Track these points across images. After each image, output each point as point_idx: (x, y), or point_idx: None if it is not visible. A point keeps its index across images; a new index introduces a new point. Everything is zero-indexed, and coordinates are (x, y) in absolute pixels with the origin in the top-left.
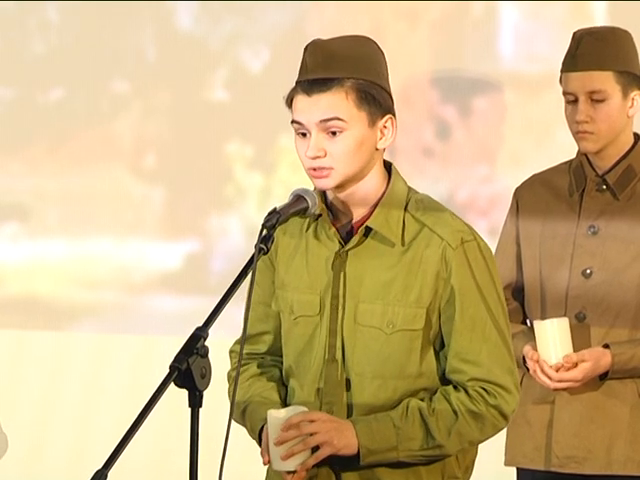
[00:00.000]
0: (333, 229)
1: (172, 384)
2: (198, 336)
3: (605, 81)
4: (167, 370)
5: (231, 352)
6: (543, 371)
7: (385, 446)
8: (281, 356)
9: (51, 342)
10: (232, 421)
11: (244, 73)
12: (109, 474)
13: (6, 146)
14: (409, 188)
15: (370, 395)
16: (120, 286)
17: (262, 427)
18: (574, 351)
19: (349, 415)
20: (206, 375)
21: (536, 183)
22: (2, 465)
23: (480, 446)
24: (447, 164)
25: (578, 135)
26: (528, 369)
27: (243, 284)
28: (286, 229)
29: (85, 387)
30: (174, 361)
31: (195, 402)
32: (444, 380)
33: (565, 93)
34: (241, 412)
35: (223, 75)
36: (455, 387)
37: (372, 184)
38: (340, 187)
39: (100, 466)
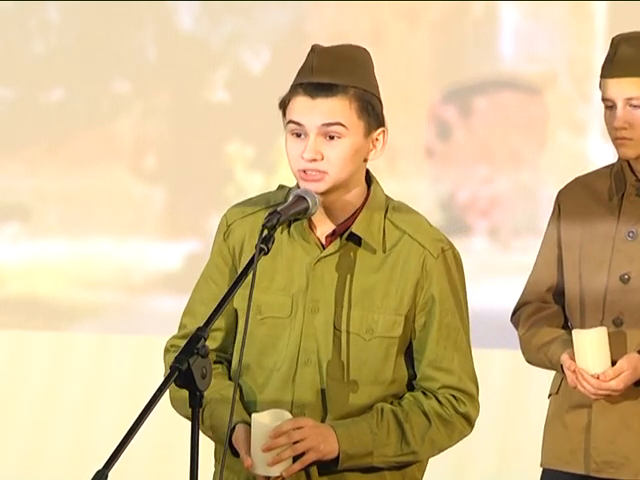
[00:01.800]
0: (312, 233)
1: (173, 384)
2: (198, 336)
3: None
4: (167, 370)
5: (171, 347)
6: (584, 379)
7: (362, 451)
8: (227, 353)
9: (51, 342)
10: (231, 421)
11: (244, 73)
12: (110, 474)
13: (6, 146)
14: (386, 195)
15: (344, 400)
16: (120, 286)
17: (232, 429)
18: (611, 358)
19: (322, 420)
20: (206, 375)
21: (577, 186)
22: (2, 465)
23: (479, 447)
24: (448, 164)
25: (617, 141)
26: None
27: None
28: (253, 229)
29: (85, 387)
30: (174, 361)
31: (196, 402)
32: (410, 386)
33: (604, 99)
34: (201, 410)
35: (224, 75)
36: (424, 393)
37: (355, 192)
38: (327, 194)
39: (101, 466)
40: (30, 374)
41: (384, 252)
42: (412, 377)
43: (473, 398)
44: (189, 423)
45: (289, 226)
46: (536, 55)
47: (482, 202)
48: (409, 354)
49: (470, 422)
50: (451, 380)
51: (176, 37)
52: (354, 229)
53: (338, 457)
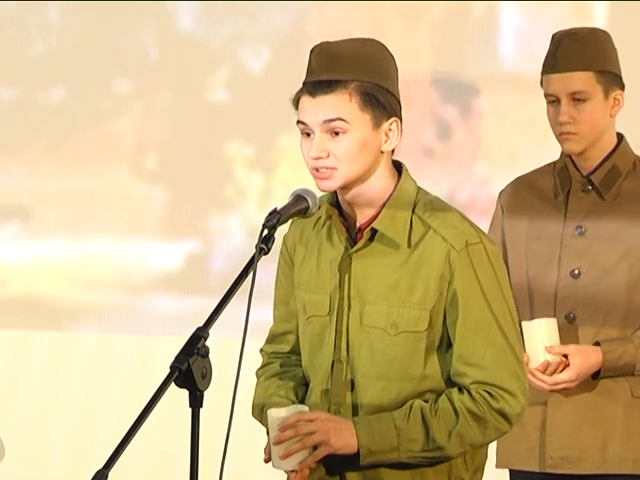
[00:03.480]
0: (343, 229)
1: (173, 384)
2: (199, 336)
3: (586, 81)
4: (168, 370)
5: (260, 351)
6: (535, 377)
7: (386, 447)
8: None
9: (52, 342)
10: (232, 421)
11: (245, 73)
12: (110, 474)
13: (7, 146)
14: (419, 189)
15: (375, 396)
16: (121, 286)
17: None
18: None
19: (355, 416)
20: (207, 375)
21: (520, 185)
22: (3, 465)
23: None
24: (448, 164)
25: (562, 137)
26: None
27: (244, 284)
28: (304, 229)
29: (86, 387)
30: (175, 361)
31: (196, 402)
32: (450, 382)
33: (547, 95)
34: (259, 411)
35: (224, 75)
36: (460, 389)
37: (378, 186)
38: (344, 189)
39: (101, 466)
40: (31, 374)
41: (409, 247)
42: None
43: (511, 394)
44: (189, 423)
45: (329, 223)
46: (537, 55)
47: (482, 202)
48: (447, 350)
49: (507, 418)
50: (483, 376)
51: (176, 37)
52: (376, 225)
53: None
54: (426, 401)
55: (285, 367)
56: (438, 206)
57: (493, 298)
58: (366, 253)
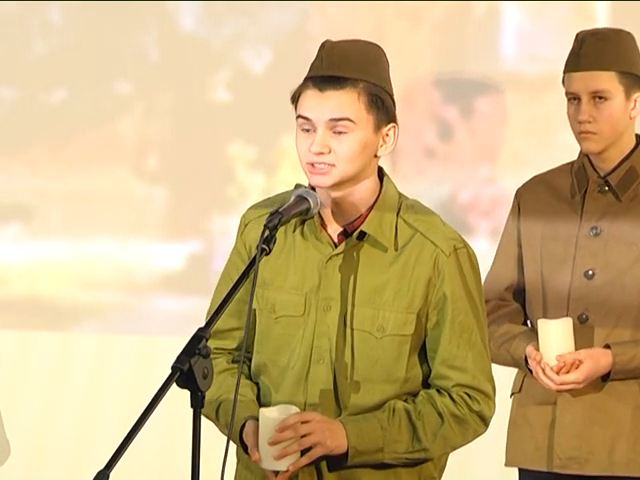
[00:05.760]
0: (324, 232)
1: (174, 385)
2: (200, 337)
3: (608, 81)
4: (169, 371)
5: None
6: (545, 374)
7: (372, 447)
8: (249, 352)
9: (54, 342)
10: (234, 422)
11: (246, 74)
12: (111, 474)
13: (9, 147)
14: (399, 193)
15: (357, 398)
16: (123, 287)
17: (243, 425)
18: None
19: (335, 417)
20: (208, 376)
21: (538, 184)
22: (5, 465)
23: (481, 446)
24: (449, 165)
25: (581, 135)
26: (530, 370)
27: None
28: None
29: (87, 387)
30: (176, 362)
31: (197, 402)
32: (425, 384)
33: (568, 93)
34: (215, 408)
35: (225, 76)
36: (439, 391)
37: (365, 189)
38: (335, 187)
39: (102, 466)
40: (32, 374)
41: (396, 250)
42: (428, 375)
43: (488, 397)
44: (191, 423)
45: (302, 224)
46: (538, 55)
47: (483, 202)
48: (424, 352)
49: (484, 420)
50: (465, 379)
51: (178, 38)
52: (364, 227)
53: (347, 452)
54: (405, 402)
55: (232, 364)
56: (421, 210)
57: (476, 301)
58: (352, 255)
